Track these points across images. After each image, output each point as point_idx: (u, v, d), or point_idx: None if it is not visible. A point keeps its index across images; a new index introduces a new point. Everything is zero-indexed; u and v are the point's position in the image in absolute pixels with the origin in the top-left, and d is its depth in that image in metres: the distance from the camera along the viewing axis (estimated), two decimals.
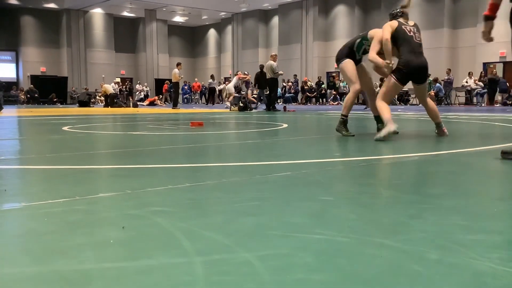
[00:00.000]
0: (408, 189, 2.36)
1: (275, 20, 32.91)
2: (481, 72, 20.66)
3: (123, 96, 26.39)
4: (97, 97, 29.61)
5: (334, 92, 26.22)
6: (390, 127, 4.61)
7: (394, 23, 4.90)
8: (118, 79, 29.63)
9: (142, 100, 28.97)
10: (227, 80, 32.81)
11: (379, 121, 5.34)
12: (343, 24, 28.87)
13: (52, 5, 32.78)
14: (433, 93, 22.37)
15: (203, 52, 41.25)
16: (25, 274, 1.17)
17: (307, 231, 1.51)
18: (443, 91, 21.81)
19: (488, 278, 1.10)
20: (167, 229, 1.55)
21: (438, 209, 1.83)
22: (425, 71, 4.89)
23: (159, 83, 35.87)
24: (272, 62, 15.15)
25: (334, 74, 29.30)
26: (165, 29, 38.21)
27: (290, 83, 27.68)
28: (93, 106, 24.02)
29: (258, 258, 1.25)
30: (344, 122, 5.20)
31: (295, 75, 27.79)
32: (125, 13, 36.07)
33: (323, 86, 27.08)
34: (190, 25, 41.03)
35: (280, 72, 15.64)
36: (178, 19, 38.58)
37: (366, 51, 5.23)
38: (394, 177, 2.71)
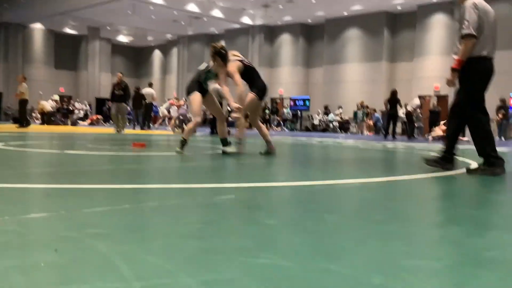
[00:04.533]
0: (350, 214, 2.38)
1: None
2: (417, 105, 21.57)
3: (61, 114, 25.48)
4: (33, 115, 28.44)
5: (278, 118, 26.60)
6: (239, 149, 5.91)
7: (239, 64, 5.83)
8: (57, 97, 28.64)
9: (82, 119, 28.09)
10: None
11: (224, 144, 6.12)
12: (288, 52, 29.54)
13: None
14: (371, 123, 23.18)
15: (148, 72, 40.80)
16: None
17: (252, 255, 1.47)
18: (381, 121, 22.62)
19: None
20: (104, 252, 1.46)
21: (380, 234, 1.85)
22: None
23: (100, 102, 35.01)
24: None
25: (278, 101, 29.77)
26: (108, 47, 37.55)
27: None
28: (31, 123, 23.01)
29: (201, 283, 1.20)
30: (183, 142, 5.79)
31: None
32: (68, 30, 35.20)
33: (267, 111, 27.43)
34: (135, 45, 40.59)
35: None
36: (123, 38, 38.09)
37: (210, 78, 6.07)
38: (336, 202, 2.73)
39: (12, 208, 2.13)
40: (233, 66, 5.77)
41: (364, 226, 2.02)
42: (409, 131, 17.31)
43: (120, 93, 13.92)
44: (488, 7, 4.30)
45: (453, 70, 4.22)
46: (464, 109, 4.31)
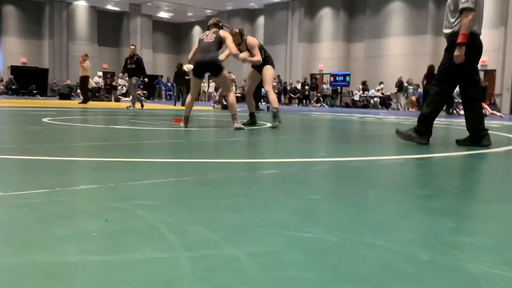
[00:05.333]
0: (394, 190, 2.35)
1: (261, 19, 32.90)
2: None
3: (104, 90, 26.04)
4: (78, 91, 29.20)
5: (318, 94, 26.34)
6: (182, 124, 5.97)
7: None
8: (101, 73, 29.26)
9: (124, 95, 28.61)
10: (211, 78, 32.66)
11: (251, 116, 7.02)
12: (328, 27, 28.99)
13: None
14: (414, 99, 22.62)
15: (188, 49, 40.90)
16: (4, 265, 1.11)
17: (296, 229, 1.48)
18: None
19: (482, 281, 1.09)
20: (152, 223, 1.50)
21: (426, 210, 1.82)
22: (204, 65, 5.87)
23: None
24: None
25: (317, 76, 29.43)
26: (149, 24, 37.87)
27: (274, 83, 27.67)
28: (74, 99, 23.67)
29: (247, 255, 1.22)
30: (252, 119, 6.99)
31: (279, 76, 27.80)
32: (110, 7, 35.66)
33: (306, 87, 27.18)
34: (175, 22, 40.77)
35: None
36: (163, 14, 38.29)
37: None
38: (379, 178, 2.70)
39: (63, 180, 2.21)
40: None
41: (409, 202, 1.99)
42: (446, 107, 16.76)
43: (132, 66, 12.80)
44: None
45: (460, 44, 4.26)
46: (437, 79, 4.55)
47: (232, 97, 6.21)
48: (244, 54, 6.61)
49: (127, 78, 14.40)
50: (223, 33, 6.02)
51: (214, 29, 6.08)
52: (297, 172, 2.73)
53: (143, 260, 1.16)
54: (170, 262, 1.15)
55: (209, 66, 5.92)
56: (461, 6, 4.22)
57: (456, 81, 4.48)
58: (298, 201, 1.92)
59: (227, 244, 1.30)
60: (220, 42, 5.95)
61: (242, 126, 5.94)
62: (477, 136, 4.43)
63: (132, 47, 13.47)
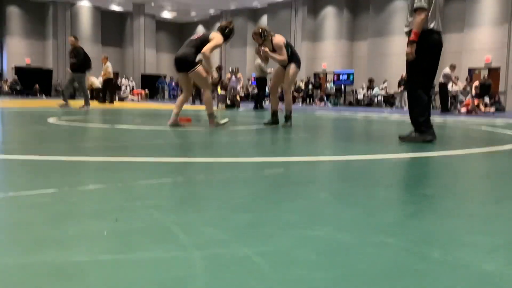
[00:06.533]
0: (402, 189, 2.34)
1: (264, 19, 32.89)
2: (467, 77, 20.87)
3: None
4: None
5: (321, 93, 26.31)
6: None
7: None
8: None
9: (127, 97, 28.67)
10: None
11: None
12: (331, 25, 28.97)
13: None
14: None
15: None
16: (15, 265, 1.11)
17: (305, 228, 1.48)
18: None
19: (496, 279, 1.08)
20: (163, 222, 1.50)
21: (434, 209, 1.81)
22: (175, 60, 6.04)
23: (145, 78, 35.64)
24: (260, 61, 15.09)
25: (321, 75, 29.40)
26: (153, 24, 37.92)
27: None
28: (78, 99, 23.72)
29: (258, 254, 1.22)
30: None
31: None
32: (113, 7, 35.72)
33: (310, 86, 27.15)
34: (178, 21, 40.81)
35: (269, 70, 15.60)
36: (166, 14, 38.33)
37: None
38: (386, 176, 2.69)
39: (71, 180, 2.21)
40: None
41: (417, 201, 1.98)
42: (442, 104, 16.62)
43: (73, 61, 11.42)
44: None
45: (411, 42, 4.46)
46: (408, 80, 4.64)
47: (207, 95, 6.16)
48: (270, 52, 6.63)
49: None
50: (213, 34, 6.04)
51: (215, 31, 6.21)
52: (304, 171, 2.73)
53: (155, 259, 1.16)
54: (183, 261, 1.15)
55: (178, 62, 5.99)
56: (414, 5, 4.42)
57: (425, 75, 4.57)
58: (306, 200, 1.92)
59: (238, 243, 1.30)
60: (205, 41, 5.97)
61: (220, 125, 6.06)
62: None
63: (71, 38, 11.76)
